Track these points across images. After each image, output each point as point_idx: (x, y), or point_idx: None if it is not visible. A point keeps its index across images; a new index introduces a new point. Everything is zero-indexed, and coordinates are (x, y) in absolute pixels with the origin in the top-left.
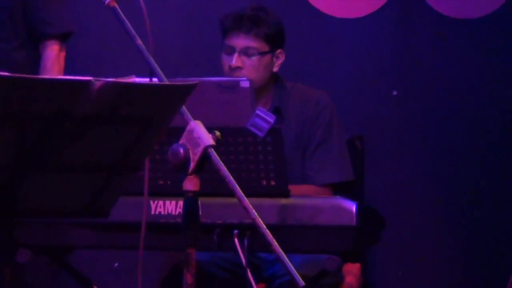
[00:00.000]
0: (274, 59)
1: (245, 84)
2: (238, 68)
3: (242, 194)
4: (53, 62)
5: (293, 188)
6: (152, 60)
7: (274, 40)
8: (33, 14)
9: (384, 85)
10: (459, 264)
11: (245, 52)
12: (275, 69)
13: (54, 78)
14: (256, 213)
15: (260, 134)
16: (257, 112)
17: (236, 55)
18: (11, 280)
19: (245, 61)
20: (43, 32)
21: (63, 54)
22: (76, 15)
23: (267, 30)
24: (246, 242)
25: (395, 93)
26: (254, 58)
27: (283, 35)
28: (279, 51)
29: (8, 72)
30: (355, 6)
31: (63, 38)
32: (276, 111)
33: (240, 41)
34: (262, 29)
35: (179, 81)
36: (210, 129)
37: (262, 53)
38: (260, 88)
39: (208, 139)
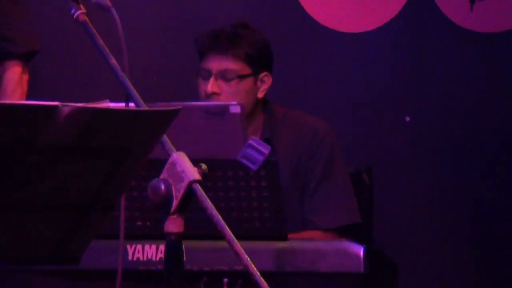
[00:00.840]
0: (258, 83)
1: (235, 109)
2: (215, 94)
3: (233, 236)
4: (15, 86)
5: (292, 237)
6: (128, 82)
7: (257, 61)
8: None
9: (396, 110)
10: None
11: (222, 75)
12: (260, 94)
13: (15, 103)
14: (248, 259)
15: (253, 167)
16: (249, 141)
17: (212, 79)
18: None
19: (223, 86)
20: (4, 50)
21: (25, 76)
22: (41, 31)
23: (248, 50)
24: None
25: (408, 119)
26: (233, 83)
27: (269, 56)
28: (264, 74)
29: None
30: (361, 19)
31: (27, 58)
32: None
33: (216, 63)
34: (241, 49)
35: (159, 106)
36: (195, 162)
37: (242, 76)
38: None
39: (193, 173)
